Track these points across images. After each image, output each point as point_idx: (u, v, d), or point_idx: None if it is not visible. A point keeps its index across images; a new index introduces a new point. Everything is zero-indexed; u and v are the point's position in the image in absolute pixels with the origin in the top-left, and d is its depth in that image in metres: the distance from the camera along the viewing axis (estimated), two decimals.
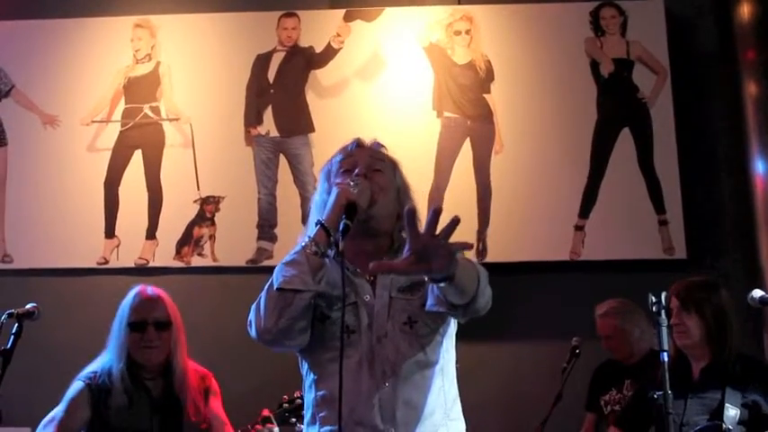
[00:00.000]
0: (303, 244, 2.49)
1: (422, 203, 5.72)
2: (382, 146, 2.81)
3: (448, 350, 2.61)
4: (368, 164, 2.68)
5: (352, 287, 2.54)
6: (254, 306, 2.56)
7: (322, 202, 2.64)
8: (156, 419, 3.63)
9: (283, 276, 2.46)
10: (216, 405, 3.81)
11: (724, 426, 3.48)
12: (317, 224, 2.50)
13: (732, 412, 3.50)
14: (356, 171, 2.62)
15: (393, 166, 2.76)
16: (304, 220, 5.74)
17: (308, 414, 2.63)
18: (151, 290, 3.79)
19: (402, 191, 2.73)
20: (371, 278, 2.57)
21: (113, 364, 3.63)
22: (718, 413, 3.52)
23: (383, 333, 2.50)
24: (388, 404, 2.45)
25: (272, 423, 3.76)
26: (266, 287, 2.52)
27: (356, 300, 2.54)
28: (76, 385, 3.63)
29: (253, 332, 2.55)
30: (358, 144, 2.76)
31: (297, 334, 2.51)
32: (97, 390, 3.60)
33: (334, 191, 2.54)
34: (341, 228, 2.42)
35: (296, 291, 2.44)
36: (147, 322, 3.67)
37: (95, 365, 3.70)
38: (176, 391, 3.69)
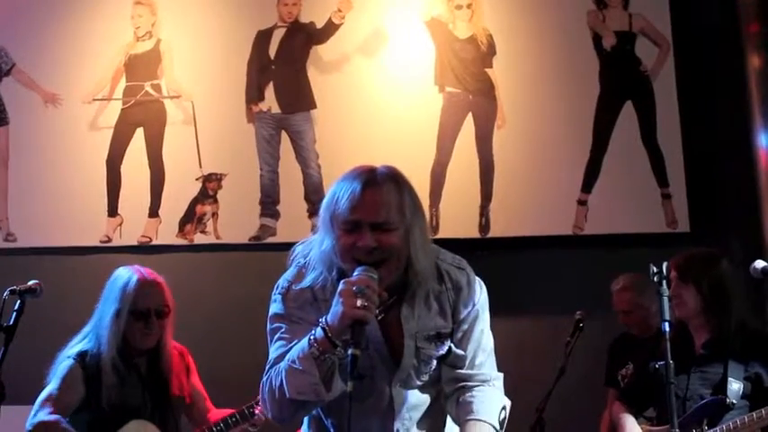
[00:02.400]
0: (309, 343, 2.34)
1: (424, 179, 5.80)
2: (395, 185, 2.50)
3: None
4: (374, 226, 2.40)
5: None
6: (266, 387, 2.44)
7: (324, 252, 2.47)
8: (147, 395, 3.70)
9: (295, 387, 2.35)
10: (195, 380, 3.92)
11: (728, 400, 3.49)
12: (322, 328, 2.33)
13: (735, 386, 3.50)
14: (360, 279, 2.32)
15: (405, 203, 2.47)
16: (306, 196, 5.83)
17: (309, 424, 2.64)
18: (149, 275, 3.76)
19: (421, 223, 2.50)
20: (379, 315, 2.45)
21: (105, 345, 3.63)
22: (721, 387, 3.52)
23: (404, 377, 2.48)
24: None
25: None
26: (276, 383, 2.40)
27: (366, 344, 2.40)
28: (67, 363, 3.64)
29: (266, 412, 2.50)
30: (363, 189, 2.44)
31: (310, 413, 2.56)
32: (89, 368, 3.62)
33: (339, 306, 2.30)
34: (349, 357, 2.25)
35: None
36: (150, 311, 3.69)
37: (83, 344, 3.70)
38: (163, 369, 3.76)
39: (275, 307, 2.52)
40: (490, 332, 2.58)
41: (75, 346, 3.71)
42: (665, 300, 2.91)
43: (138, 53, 6.16)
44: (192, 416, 3.89)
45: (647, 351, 3.89)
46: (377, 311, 2.37)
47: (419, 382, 2.50)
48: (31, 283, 3.30)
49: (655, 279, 2.95)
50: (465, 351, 2.51)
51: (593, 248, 5.66)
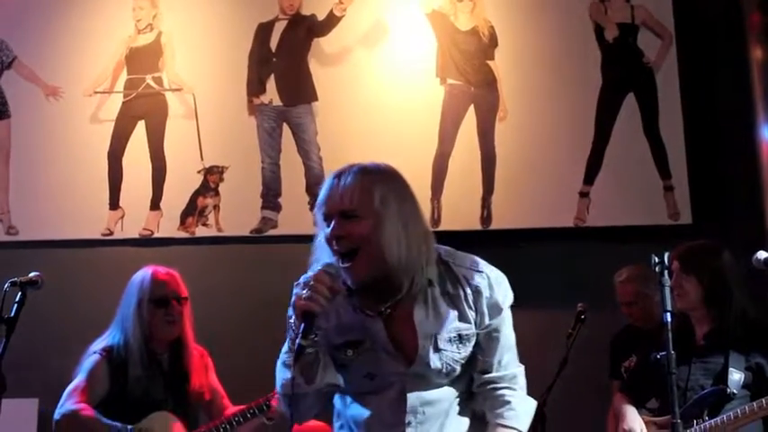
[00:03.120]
0: (288, 337, 2.43)
1: (426, 171, 5.81)
2: (361, 177, 2.47)
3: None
4: (341, 214, 2.41)
5: (366, 332, 2.46)
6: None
7: (320, 246, 2.51)
8: (169, 390, 3.82)
9: (282, 380, 2.46)
10: (213, 379, 4.04)
11: (729, 390, 3.49)
12: (288, 325, 2.41)
13: (736, 376, 3.51)
14: (313, 273, 2.40)
15: (374, 193, 2.43)
16: (308, 189, 5.82)
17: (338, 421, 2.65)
18: (163, 269, 3.92)
19: (397, 215, 2.43)
20: (387, 310, 2.46)
21: (131, 339, 3.77)
22: (722, 377, 3.52)
23: (419, 376, 2.47)
24: None
25: None
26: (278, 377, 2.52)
27: (372, 345, 2.46)
28: (93, 358, 3.76)
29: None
30: (333, 180, 2.48)
31: (320, 410, 2.57)
32: (115, 361, 3.75)
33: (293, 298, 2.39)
34: (297, 347, 2.31)
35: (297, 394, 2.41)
36: (169, 297, 3.83)
37: (108, 339, 3.83)
38: (184, 365, 3.88)
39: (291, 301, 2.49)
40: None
41: (101, 342, 3.83)
42: (667, 290, 2.91)
43: (140, 46, 6.15)
44: (210, 412, 3.99)
45: (650, 342, 3.88)
46: (330, 304, 2.39)
47: (439, 382, 2.48)
48: (32, 275, 3.30)
49: (656, 269, 2.95)
50: (493, 356, 2.51)
51: (595, 240, 5.66)
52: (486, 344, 2.50)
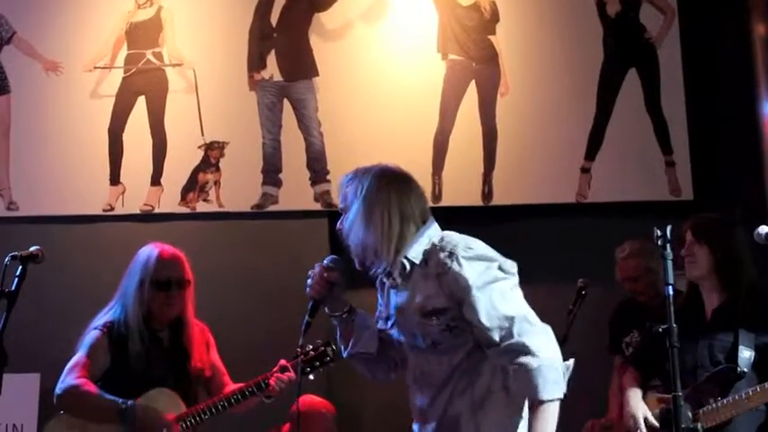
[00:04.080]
0: None
1: (427, 147, 5.80)
2: (357, 173, 2.86)
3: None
4: (342, 216, 2.87)
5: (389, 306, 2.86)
6: None
7: None
8: (170, 367, 3.84)
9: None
10: (214, 356, 4.04)
11: (739, 369, 3.48)
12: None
13: (746, 354, 3.50)
14: (328, 259, 2.94)
15: (349, 189, 2.83)
16: (308, 164, 5.83)
17: None
18: (170, 249, 3.92)
19: (360, 209, 2.78)
20: (391, 285, 2.83)
21: (131, 314, 3.79)
22: (732, 355, 3.52)
23: (410, 346, 2.84)
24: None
25: (290, 372, 3.83)
26: None
27: (388, 316, 2.87)
28: (94, 333, 3.78)
29: None
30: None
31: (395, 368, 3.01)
32: (116, 337, 3.77)
33: None
34: (304, 324, 2.93)
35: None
36: (171, 282, 3.83)
37: (109, 315, 3.84)
38: (184, 342, 3.90)
39: None
40: (510, 299, 2.66)
41: (102, 317, 3.84)
42: (669, 263, 2.91)
43: (140, 21, 6.11)
44: (210, 389, 3.99)
45: (654, 317, 3.89)
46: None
47: (430, 354, 2.73)
48: (32, 248, 3.29)
49: (659, 243, 2.94)
50: (485, 331, 2.61)
51: (597, 216, 5.67)
52: (472, 320, 2.63)
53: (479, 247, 2.71)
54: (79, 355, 3.75)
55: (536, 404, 2.54)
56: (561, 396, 2.55)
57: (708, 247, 3.66)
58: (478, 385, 2.67)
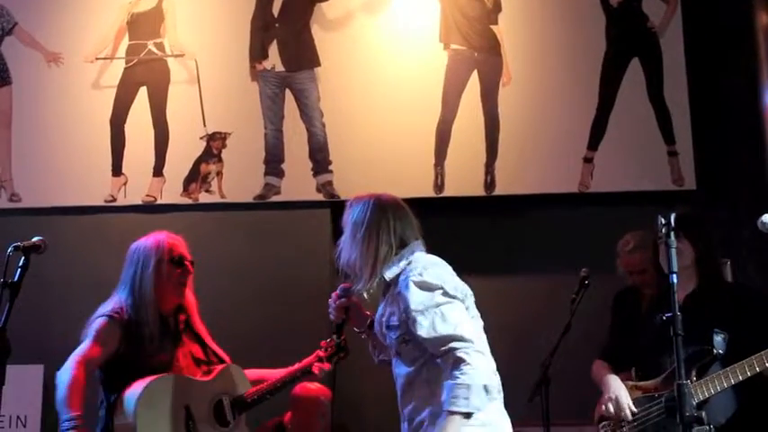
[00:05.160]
0: None
1: (429, 137, 5.78)
2: (352, 201, 3.31)
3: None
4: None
5: None
6: None
7: None
8: (177, 351, 3.85)
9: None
10: (212, 342, 4.05)
11: (715, 350, 3.51)
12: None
13: (720, 336, 3.53)
14: (339, 288, 3.39)
15: (350, 215, 3.26)
16: (311, 155, 5.82)
17: None
18: (172, 234, 3.97)
19: (350, 234, 3.24)
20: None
21: (147, 299, 3.78)
22: (706, 338, 3.54)
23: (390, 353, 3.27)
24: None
25: (326, 363, 4.02)
26: None
27: None
28: (101, 320, 3.74)
29: None
30: None
31: None
32: (126, 323, 3.74)
33: None
34: (335, 345, 3.71)
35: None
36: (184, 259, 3.89)
37: (115, 303, 3.81)
38: (191, 326, 3.95)
39: None
40: (449, 320, 3.01)
41: (109, 305, 3.81)
42: (673, 251, 2.91)
43: (141, 11, 6.11)
44: None
45: (653, 305, 3.92)
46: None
47: (400, 360, 3.16)
48: (35, 239, 3.29)
49: (663, 231, 2.95)
50: (423, 341, 3.03)
51: (599, 206, 5.66)
52: (416, 336, 3.04)
53: (432, 274, 3.08)
54: (84, 345, 3.70)
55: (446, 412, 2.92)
56: (467, 411, 2.89)
57: (688, 241, 3.71)
58: (438, 395, 2.98)
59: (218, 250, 5.58)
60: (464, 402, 2.86)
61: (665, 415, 3.53)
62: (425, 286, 3.04)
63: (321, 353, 4.01)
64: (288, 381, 3.99)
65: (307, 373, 3.99)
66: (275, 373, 4.00)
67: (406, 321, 3.05)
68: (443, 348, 2.94)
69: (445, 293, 3.04)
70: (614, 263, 4.90)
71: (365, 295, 3.22)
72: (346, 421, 5.04)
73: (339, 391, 3.74)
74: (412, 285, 3.04)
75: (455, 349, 2.92)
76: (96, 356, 3.68)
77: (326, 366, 3.96)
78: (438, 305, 3.01)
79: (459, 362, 2.90)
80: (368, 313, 3.35)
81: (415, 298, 3.03)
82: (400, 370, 3.15)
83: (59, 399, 3.56)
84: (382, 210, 3.21)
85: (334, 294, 3.33)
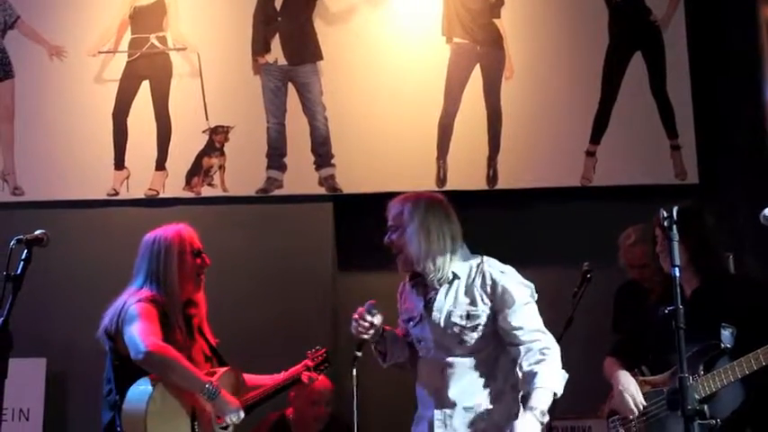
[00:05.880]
0: None
1: (431, 131, 5.78)
2: (401, 203, 3.43)
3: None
4: (389, 228, 3.45)
5: (417, 309, 3.43)
6: None
7: None
8: (193, 346, 3.85)
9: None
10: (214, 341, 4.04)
11: (722, 345, 3.51)
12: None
13: (728, 330, 3.52)
14: (366, 305, 3.44)
15: (409, 211, 3.39)
16: (313, 149, 5.82)
17: None
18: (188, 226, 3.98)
19: (418, 227, 3.36)
20: (428, 299, 3.41)
21: (176, 290, 3.78)
22: (713, 333, 3.53)
23: (442, 345, 3.38)
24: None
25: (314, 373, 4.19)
26: None
27: (420, 318, 3.42)
28: (143, 306, 3.66)
29: None
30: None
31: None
32: (163, 312, 3.71)
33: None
34: (353, 359, 3.49)
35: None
36: (202, 250, 3.92)
37: (145, 291, 3.74)
38: (201, 320, 3.96)
39: None
40: (537, 316, 3.33)
41: (137, 294, 3.73)
42: (676, 245, 2.90)
43: (143, 5, 6.11)
44: None
45: (656, 299, 3.90)
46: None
47: (457, 351, 3.32)
48: (37, 232, 3.29)
49: (665, 224, 2.94)
50: (512, 331, 3.28)
51: (602, 200, 5.67)
52: (508, 327, 3.27)
53: (517, 274, 3.40)
54: (140, 325, 3.59)
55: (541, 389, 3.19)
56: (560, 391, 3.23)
57: (680, 241, 3.67)
58: (497, 380, 3.31)
59: (221, 244, 5.55)
60: (560, 383, 3.21)
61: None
62: (525, 284, 3.36)
63: (309, 362, 4.16)
64: (279, 389, 4.06)
65: (296, 383, 4.11)
66: (268, 380, 4.05)
67: (494, 312, 3.30)
68: (533, 338, 3.25)
69: (533, 293, 3.37)
70: (616, 256, 4.91)
71: (436, 284, 3.37)
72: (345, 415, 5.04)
73: (340, 389, 3.75)
74: (514, 282, 3.33)
75: (544, 339, 3.26)
76: (160, 336, 3.62)
77: (315, 376, 4.15)
78: (534, 301, 3.36)
79: (549, 350, 3.24)
80: (387, 328, 3.51)
81: (521, 292, 3.31)
82: (453, 359, 3.32)
83: (182, 376, 3.59)
84: (445, 208, 3.44)
85: (360, 310, 3.42)
